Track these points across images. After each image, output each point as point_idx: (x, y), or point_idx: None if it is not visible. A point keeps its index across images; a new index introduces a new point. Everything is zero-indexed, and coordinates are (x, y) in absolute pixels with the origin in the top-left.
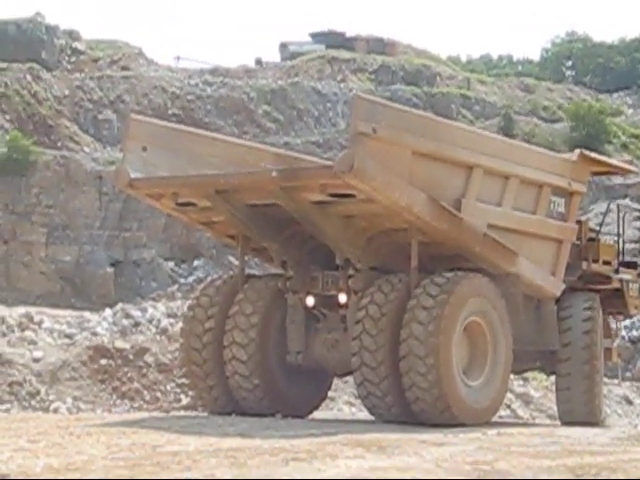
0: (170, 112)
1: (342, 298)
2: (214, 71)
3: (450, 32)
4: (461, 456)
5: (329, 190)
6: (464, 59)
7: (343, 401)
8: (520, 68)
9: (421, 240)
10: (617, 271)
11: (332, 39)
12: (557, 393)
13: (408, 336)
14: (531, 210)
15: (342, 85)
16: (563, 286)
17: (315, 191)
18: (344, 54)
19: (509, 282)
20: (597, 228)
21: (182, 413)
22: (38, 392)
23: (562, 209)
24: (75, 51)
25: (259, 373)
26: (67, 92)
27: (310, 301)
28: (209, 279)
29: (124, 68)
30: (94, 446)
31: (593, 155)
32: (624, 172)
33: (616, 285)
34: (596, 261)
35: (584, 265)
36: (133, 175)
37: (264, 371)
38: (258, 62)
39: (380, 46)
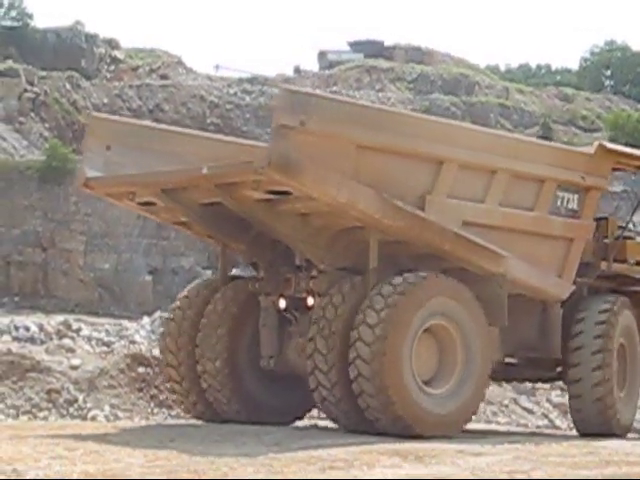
0: (209, 121)
1: (310, 301)
2: (253, 80)
3: (489, 41)
4: (498, 466)
5: (264, 187)
6: (503, 68)
7: None
8: (559, 77)
9: (386, 239)
10: None
11: (370, 48)
12: (569, 401)
13: (356, 339)
14: (528, 206)
15: (380, 94)
16: (571, 288)
17: (252, 188)
18: (382, 63)
19: (495, 283)
20: (630, 227)
21: (219, 422)
22: (76, 400)
23: (574, 205)
24: (114, 60)
25: (229, 375)
26: (106, 100)
27: (282, 304)
28: (196, 281)
29: (163, 77)
30: (131, 454)
31: (614, 147)
32: None
33: None
34: (623, 261)
35: (603, 265)
36: (91, 174)
37: (234, 375)
38: (297, 71)
39: (418, 55)
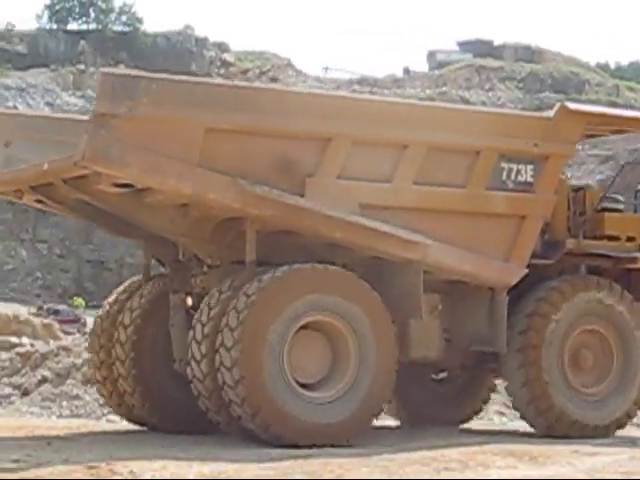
0: None
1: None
2: (362, 81)
3: (599, 39)
4: (613, 466)
5: (107, 180)
6: (613, 66)
7: (493, 411)
8: None
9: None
10: None
11: (479, 47)
12: (505, 388)
13: (220, 344)
14: (457, 183)
15: (490, 94)
16: (522, 272)
17: (96, 182)
18: (492, 62)
19: (411, 272)
20: (620, 198)
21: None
22: None
23: (528, 177)
24: (224, 63)
25: (139, 377)
26: None
27: (190, 302)
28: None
29: (273, 79)
30: (245, 455)
31: (579, 107)
32: (634, 126)
33: None
34: (602, 237)
35: (570, 243)
36: None
37: (144, 375)
38: (406, 71)
39: (528, 54)
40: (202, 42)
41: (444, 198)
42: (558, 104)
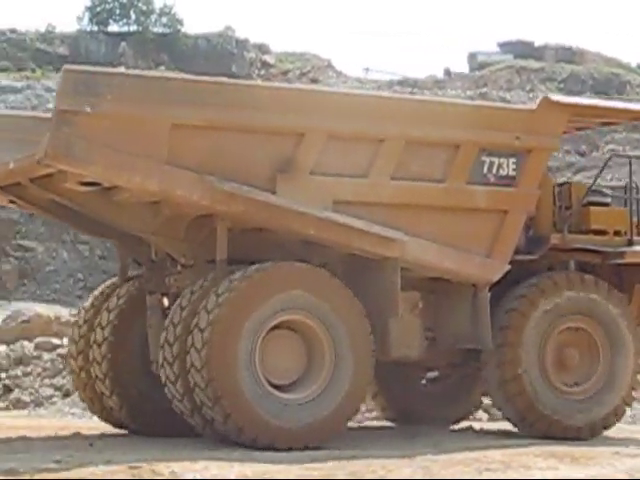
0: None
1: None
2: (403, 82)
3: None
4: None
5: (73, 179)
6: None
7: None
8: None
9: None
10: (631, 242)
11: (520, 48)
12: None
13: (190, 345)
14: (437, 177)
15: (531, 95)
16: (504, 268)
17: (62, 181)
18: (533, 64)
19: (389, 269)
20: (608, 192)
21: (374, 424)
22: None
23: (510, 171)
24: (265, 64)
25: (116, 379)
26: None
27: (166, 302)
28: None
29: (313, 80)
30: (287, 456)
31: (563, 99)
32: (623, 117)
33: (634, 260)
34: (587, 232)
35: (555, 239)
36: None
37: (121, 379)
38: (447, 72)
39: (569, 55)
40: (243, 44)
41: (423, 193)
42: (541, 96)
